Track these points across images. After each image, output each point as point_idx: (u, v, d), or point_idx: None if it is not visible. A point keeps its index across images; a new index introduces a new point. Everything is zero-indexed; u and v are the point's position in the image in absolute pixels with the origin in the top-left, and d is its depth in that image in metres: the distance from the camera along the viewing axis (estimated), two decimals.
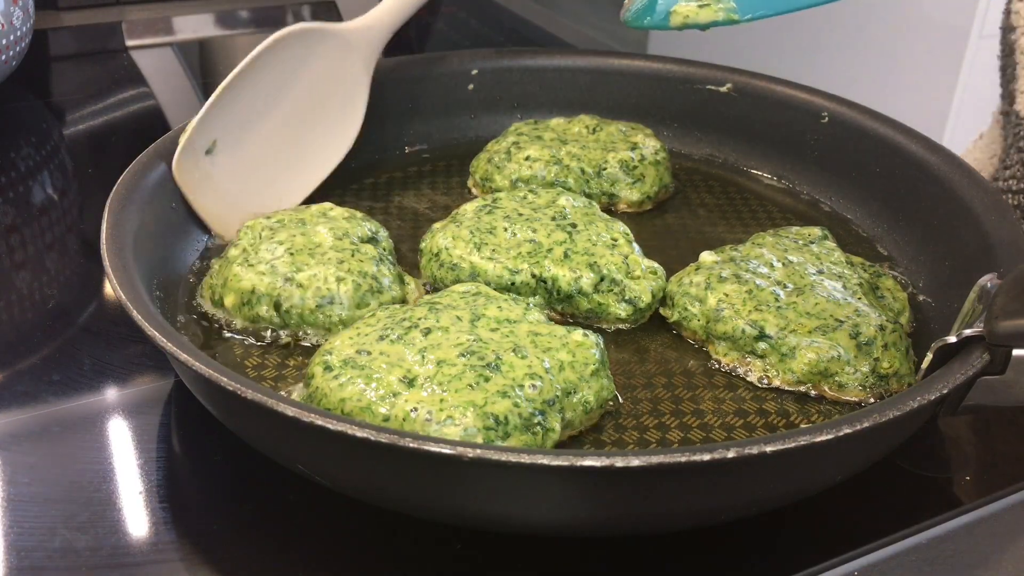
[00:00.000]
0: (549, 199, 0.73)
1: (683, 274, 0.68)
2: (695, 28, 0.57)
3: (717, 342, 0.64)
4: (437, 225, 0.72)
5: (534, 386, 0.54)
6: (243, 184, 0.76)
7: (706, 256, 0.69)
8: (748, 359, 0.63)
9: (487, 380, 0.53)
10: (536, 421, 0.53)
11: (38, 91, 1.12)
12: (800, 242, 0.71)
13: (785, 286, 0.65)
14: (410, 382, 0.53)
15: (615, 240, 0.69)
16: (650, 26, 0.58)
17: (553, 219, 0.71)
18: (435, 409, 0.51)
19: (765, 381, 0.62)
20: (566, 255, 0.67)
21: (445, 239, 0.69)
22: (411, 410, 0.51)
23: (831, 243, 0.71)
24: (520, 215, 0.71)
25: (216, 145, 0.74)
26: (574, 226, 0.70)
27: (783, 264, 0.67)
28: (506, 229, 0.70)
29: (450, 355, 0.55)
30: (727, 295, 0.65)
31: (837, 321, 0.62)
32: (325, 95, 0.80)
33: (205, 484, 0.57)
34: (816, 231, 0.72)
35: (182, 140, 0.72)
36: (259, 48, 0.75)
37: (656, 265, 0.68)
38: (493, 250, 0.68)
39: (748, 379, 0.62)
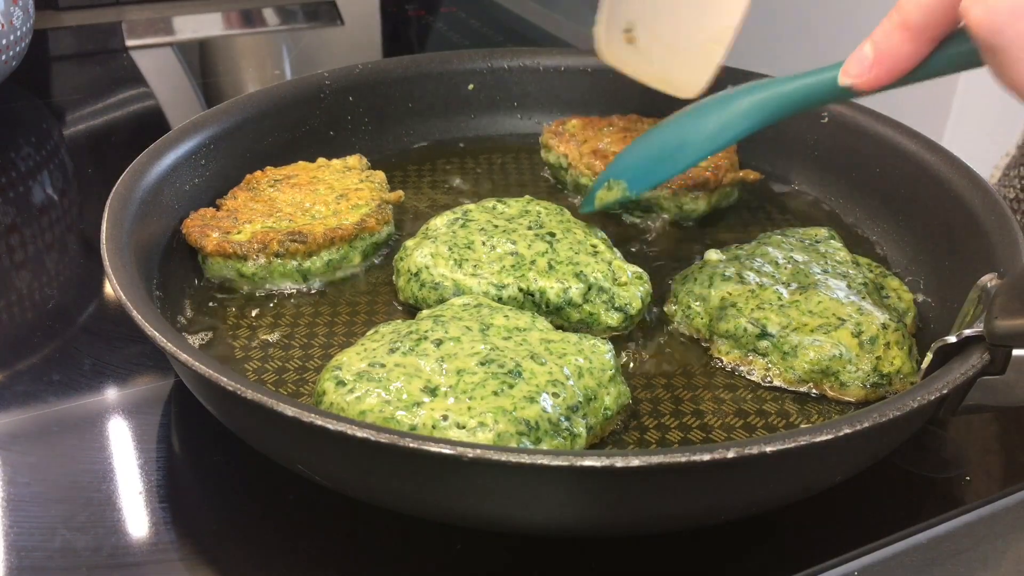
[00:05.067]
0: (520, 208, 0.72)
1: (688, 272, 0.68)
2: (609, 208, 0.74)
3: (719, 340, 0.64)
4: (410, 243, 0.69)
5: (557, 393, 0.54)
6: (669, 50, 0.80)
7: (711, 255, 0.69)
8: (750, 357, 0.63)
9: (511, 387, 0.53)
10: (564, 426, 0.53)
11: (38, 91, 1.12)
12: (807, 242, 0.71)
13: (789, 285, 0.65)
14: (432, 391, 0.53)
15: (595, 247, 0.68)
16: (588, 211, 0.74)
17: (530, 228, 0.69)
18: (464, 417, 0.51)
19: (768, 380, 0.62)
20: (550, 266, 0.66)
21: (423, 257, 0.67)
22: (441, 418, 0.51)
23: (837, 243, 0.71)
24: (496, 226, 0.69)
25: (635, 25, 0.79)
26: (552, 235, 0.68)
27: (788, 263, 0.67)
28: (484, 243, 0.67)
29: (468, 364, 0.55)
30: (730, 293, 0.65)
31: (840, 320, 0.62)
32: None
33: (205, 484, 0.57)
34: (823, 231, 0.72)
35: (600, 32, 0.79)
36: None
37: (640, 269, 0.67)
38: (475, 265, 0.66)
39: (750, 378, 0.62)
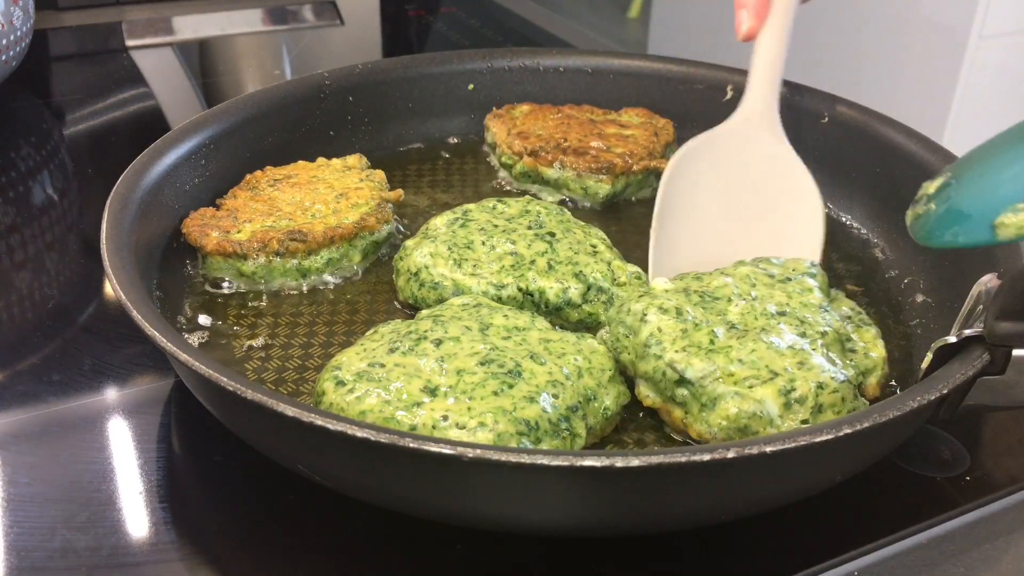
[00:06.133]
0: (520, 208, 0.71)
1: (627, 299, 0.61)
2: None
3: (640, 382, 0.58)
4: (410, 243, 0.69)
5: (556, 393, 0.54)
6: None
7: (657, 283, 0.63)
8: (668, 406, 0.57)
9: (511, 387, 0.53)
10: (563, 427, 0.53)
11: (38, 91, 1.12)
12: (775, 275, 0.63)
13: (732, 326, 0.58)
14: (432, 391, 0.53)
15: (595, 247, 0.68)
16: (965, 244, 0.48)
17: (529, 228, 0.69)
18: (464, 417, 0.51)
19: (683, 431, 0.56)
20: (550, 266, 0.66)
21: (423, 257, 0.67)
22: (441, 418, 0.51)
23: (815, 281, 0.63)
24: (495, 227, 0.69)
25: None
26: (552, 235, 0.68)
27: (743, 299, 0.60)
28: (484, 243, 0.67)
29: (468, 364, 0.55)
30: (660, 330, 0.57)
31: (771, 373, 0.55)
32: (764, 190, 0.74)
33: (205, 484, 0.57)
34: (803, 264, 0.64)
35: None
36: (661, 189, 0.71)
37: (639, 270, 0.67)
38: (474, 265, 0.66)
39: (664, 431, 0.58)
